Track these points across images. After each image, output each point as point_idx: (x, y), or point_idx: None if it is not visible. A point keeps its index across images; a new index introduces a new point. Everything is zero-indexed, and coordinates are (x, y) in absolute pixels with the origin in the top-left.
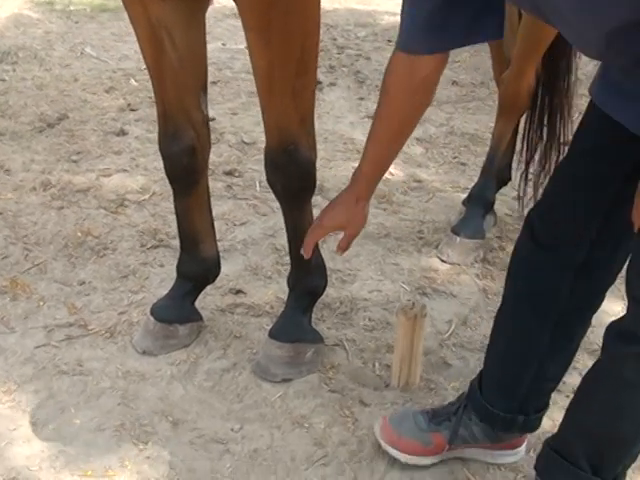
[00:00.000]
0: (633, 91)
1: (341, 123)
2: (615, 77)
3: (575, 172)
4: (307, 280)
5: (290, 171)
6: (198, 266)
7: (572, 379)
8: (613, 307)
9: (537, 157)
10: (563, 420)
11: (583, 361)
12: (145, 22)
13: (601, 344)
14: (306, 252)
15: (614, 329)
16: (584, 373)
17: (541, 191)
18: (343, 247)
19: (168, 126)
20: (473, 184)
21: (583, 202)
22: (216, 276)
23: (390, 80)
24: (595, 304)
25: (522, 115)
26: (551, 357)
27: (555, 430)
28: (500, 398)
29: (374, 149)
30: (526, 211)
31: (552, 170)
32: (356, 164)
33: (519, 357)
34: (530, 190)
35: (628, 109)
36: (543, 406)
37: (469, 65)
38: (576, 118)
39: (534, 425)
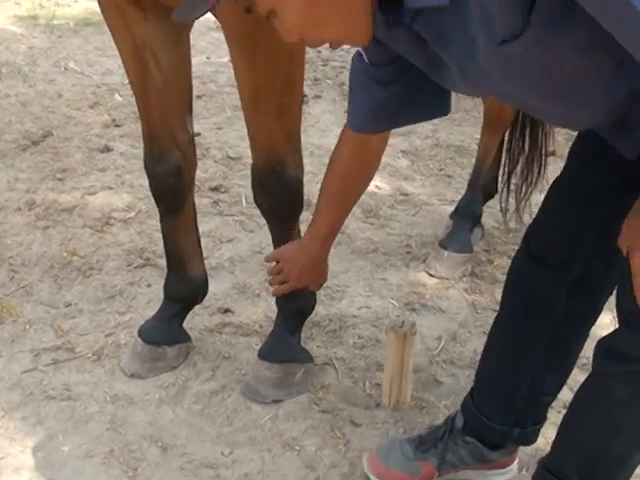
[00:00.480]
0: (626, 125)
1: (327, 137)
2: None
3: (568, 190)
4: (296, 299)
5: (277, 191)
6: (186, 286)
7: (563, 394)
8: (603, 319)
9: (519, 169)
10: (555, 438)
11: (573, 376)
12: (129, 43)
13: (591, 359)
14: (274, 294)
15: (604, 347)
16: (575, 388)
17: (524, 204)
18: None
19: (154, 147)
20: (460, 197)
21: (576, 220)
22: (204, 296)
23: (339, 157)
24: (591, 319)
25: (507, 129)
26: (546, 372)
27: (548, 447)
28: (495, 410)
29: (330, 213)
30: (512, 224)
31: (534, 182)
32: None
33: (513, 371)
34: (513, 202)
35: (622, 137)
36: (540, 419)
37: None
38: (557, 130)
39: (530, 438)
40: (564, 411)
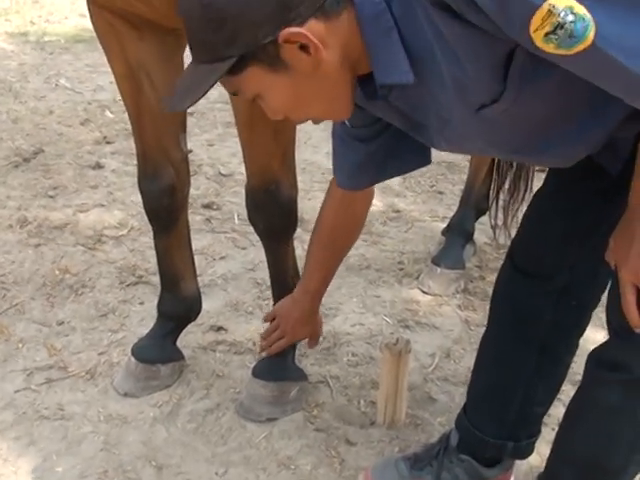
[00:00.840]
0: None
1: (318, 153)
2: None
3: (549, 203)
4: None
5: (272, 210)
6: (179, 305)
7: (557, 411)
8: (596, 336)
9: (507, 185)
10: (551, 452)
11: (567, 392)
12: (123, 63)
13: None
14: (269, 353)
15: (595, 357)
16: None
17: (511, 219)
18: (312, 346)
19: (147, 165)
20: (451, 213)
21: (558, 231)
22: (198, 314)
23: (325, 214)
24: (579, 328)
25: None
26: (538, 382)
27: (543, 465)
28: (489, 424)
29: (318, 269)
30: (501, 239)
31: (520, 198)
32: None
33: (506, 382)
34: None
35: (606, 153)
36: (534, 432)
37: None
38: None
39: (525, 451)
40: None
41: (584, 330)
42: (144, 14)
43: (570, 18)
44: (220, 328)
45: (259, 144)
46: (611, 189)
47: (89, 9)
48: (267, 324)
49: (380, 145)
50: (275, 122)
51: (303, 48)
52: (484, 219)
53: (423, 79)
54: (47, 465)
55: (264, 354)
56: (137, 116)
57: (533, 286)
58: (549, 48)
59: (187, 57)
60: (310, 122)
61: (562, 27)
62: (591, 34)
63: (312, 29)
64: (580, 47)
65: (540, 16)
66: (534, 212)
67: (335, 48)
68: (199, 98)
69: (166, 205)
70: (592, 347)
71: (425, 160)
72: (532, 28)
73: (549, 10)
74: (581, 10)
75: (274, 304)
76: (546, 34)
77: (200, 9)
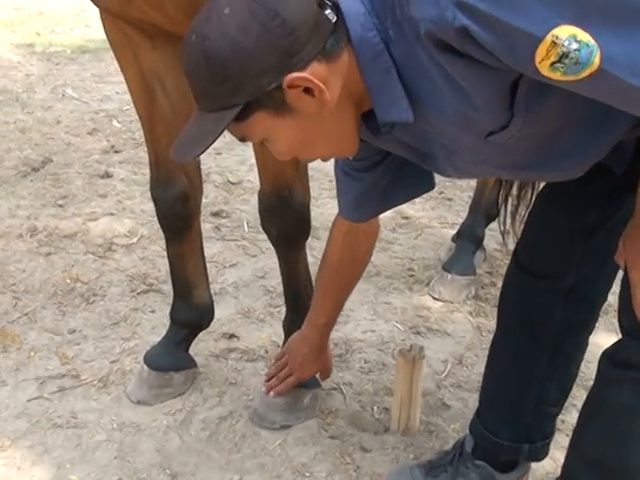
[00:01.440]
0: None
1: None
2: None
3: (553, 202)
4: (303, 324)
5: (285, 216)
6: (192, 312)
7: (571, 417)
8: (609, 340)
9: (514, 191)
10: (567, 454)
11: (581, 397)
12: (137, 71)
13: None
14: (277, 392)
15: (608, 356)
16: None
17: (520, 224)
18: (324, 379)
19: (160, 173)
20: (460, 220)
21: (563, 231)
22: (210, 321)
23: (331, 251)
24: (588, 326)
25: None
26: (550, 383)
27: (558, 471)
28: (503, 427)
29: (326, 304)
30: (511, 245)
31: (528, 203)
32: None
33: (519, 383)
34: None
35: (612, 152)
36: (549, 433)
37: None
38: None
39: (540, 453)
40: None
41: (593, 327)
42: (159, 23)
43: (574, 46)
44: (232, 336)
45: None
46: (616, 188)
47: (102, 18)
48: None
49: (384, 172)
50: None
51: (307, 91)
52: (494, 225)
53: (425, 116)
54: (61, 473)
55: (272, 394)
56: (150, 124)
57: (541, 286)
58: (556, 76)
59: None
60: None
61: (567, 56)
62: (597, 59)
63: (315, 72)
64: (587, 72)
65: (544, 47)
66: (539, 212)
67: (338, 88)
68: (208, 147)
69: (179, 213)
70: (598, 351)
71: (429, 185)
72: (537, 59)
73: (553, 41)
74: (585, 37)
75: (286, 311)
76: (552, 64)
77: (204, 63)
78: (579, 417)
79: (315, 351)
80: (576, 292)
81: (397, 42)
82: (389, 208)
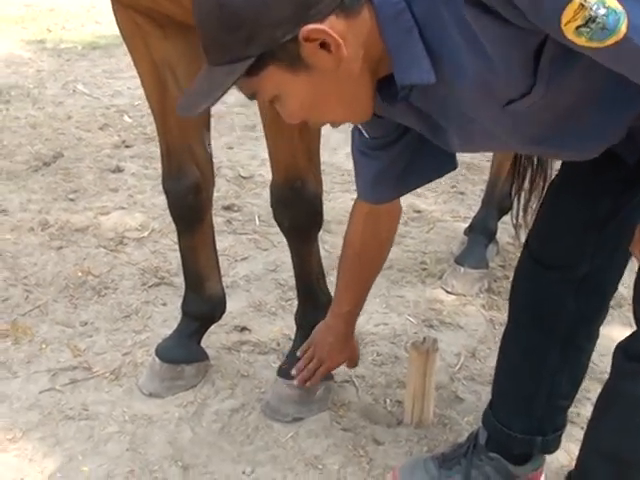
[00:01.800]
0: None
1: (337, 155)
2: None
3: (565, 192)
4: (315, 317)
5: (297, 208)
6: (204, 304)
7: (585, 410)
8: (623, 333)
9: (526, 184)
10: (581, 447)
11: (595, 390)
12: (149, 62)
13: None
14: (312, 383)
15: (622, 349)
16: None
17: (532, 217)
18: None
19: (172, 164)
20: (472, 213)
21: (575, 221)
22: (222, 313)
23: (352, 238)
24: (600, 316)
25: None
26: (562, 374)
27: (572, 464)
28: (516, 419)
29: (349, 293)
30: (524, 238)
31: (540, 195)
32: (355, 196)
33: (531, 376)
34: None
35: (624, 141)
36: (560, 426)
37: None
38: None
39: (552, 445)
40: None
41: (604, 318)
42: (171, 13)
43: (602, 12)
44: (244, 329)
45: (285, 142)
46: (628, 178)
47: (114, 10)
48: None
49: (401, 151)
50: None
51: (324, 46)
52: (506, 218)
53: (445, 78)
54: (73, 465)
55: (307, 385)
56: (162, 115)
57: (552, 277)
58: (581, 41)
59: None
60: (328, 125)
61: (594, 21)
62: (623, 26)
63: (333, 26)
64: (613, 40)
65: (572, 9)
66: (550, 202)
67: (356, 46)
68: (216, 100)
69: (191, 204)
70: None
71: (451, 165)
72: (564, 21)
73: (581, 3)
74: (613, 3)
75: (298, 304)
76: (577, 27)
77: (217, 10)
78: (594, 410)
79: (341, 340)
80: (588, 282)
81: (419, 0)
82: (409, 189)
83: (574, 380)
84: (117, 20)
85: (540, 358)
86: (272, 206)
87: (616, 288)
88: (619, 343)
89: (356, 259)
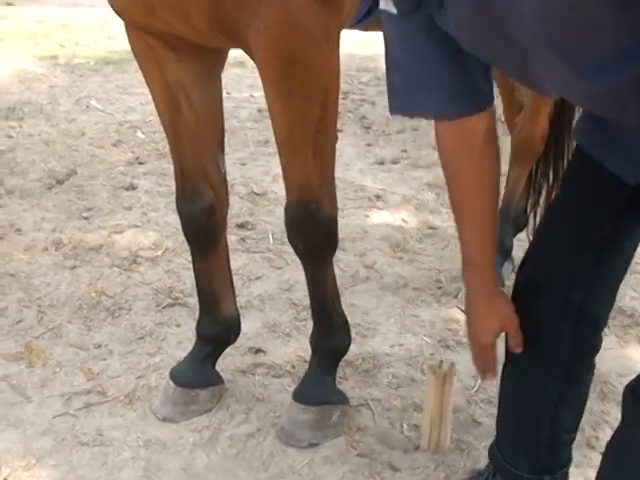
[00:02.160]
0: (621, 138)
1: (351, 170)
2: (600, 121)
3: (564, 215)
4: (330, 340)
5: (312, 230)
6: (219, 327)
7: (604, 434)
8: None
9: (542, 200)
10: None
11: (613, 413)
12: (162, 84)
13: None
14: (493, 375)
15: (631, 389)
16: (615, 425)
17: None
18: (517, 343)
19: (186, 186)
20: None
21: (574, 244)
22: (237, 336)
23: (446, 154)
24: (596, 347)
25: (536, 159)
26: (563, 407)
27: None
28: (522, 459)
29: (472, 234)
30: None
31: None
32: (368, 212)
33: (532, 413)
34: None
35: (612, 153)
36: (566, 460)
37: None
38: None
39: None
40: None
41: (600, 348)
42: (184, 35)
43: None
44: (258, 350)
45: (299, 164)
46: (627, 202)
47: (127, 31)
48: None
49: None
50: (314, 140)
51: None
52: (522, 236)
53: None
54: None
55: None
56: (175, 136)
57: (549, 305)
58: None
59: (224, 76)
60: (340, 139)
61: None
62: None
63: None
64: None
65: None
66: (547, 225)
67: None
68: None
69: (205, 226)
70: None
71: (490, 94)
72: None
73: None
74: None
75: (313, 325)
76: None
77: None
78: (604, 457)
79: (486, 307)
80: (584, 313)
81: None
82: (485, 77)
83: (576, 412)
84: (130, 42)
85: (541, 395)
86: (286, 227)
87: (607, 318)
88: (628, 384)
89: (475, 194)
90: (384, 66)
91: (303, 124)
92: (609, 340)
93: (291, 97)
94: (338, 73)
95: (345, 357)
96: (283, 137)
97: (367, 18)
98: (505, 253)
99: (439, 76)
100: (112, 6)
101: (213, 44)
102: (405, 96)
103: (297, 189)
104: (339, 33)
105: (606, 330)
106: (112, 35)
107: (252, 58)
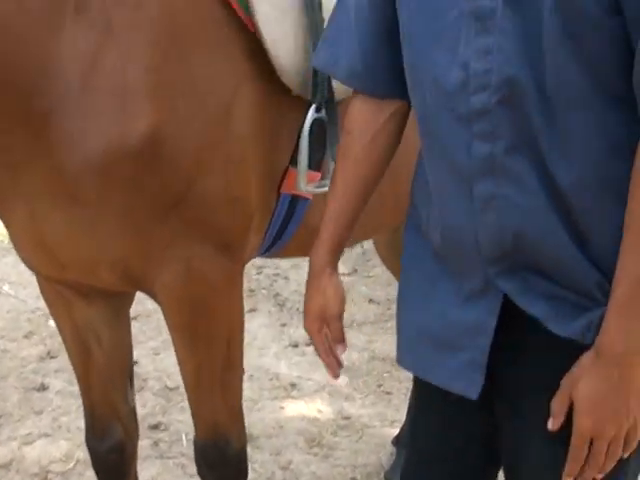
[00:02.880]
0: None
1: (265, 355)
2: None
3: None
4: None
5: (222, 465)
6: None
7: None
8: None
9: None
10: None
11: None
12: (72, 327)
13: None
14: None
15: None
16: None
17: None
18: (339, 339)
19: (95, 424)
20: (399, 416)
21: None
22: None
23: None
24: None
25: None
26: None
27: None
28: None
29: (329, 204)
30: None
31: None
32: (283, 403)
33: None
34: None
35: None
36: None
37: (383, 281)
38: None
39: None
40: None
41: None
42: (94, 284)
43: None
44: None
45: (207, 402)
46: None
47: (37, 278)
48: None
49: None
50: (222, 378)
51: None
52: None
53: None
54: None
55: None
56: (85, 376)
57: None
58: None
59: (132, 311)
60: (254, 319)
61: None
62: None
63: None
64: None
65: None
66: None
67: None
68: None
69: (115, 462)
70: None
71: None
72: None
73: None
74: None
75: None
76: None
77: None
78: None
79: (315, 283)
80: None
81: None
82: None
83: None
84: (40, 287)
85: None
86: (196, 462)
87: None
88: None
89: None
90: None
91: (210, 366)
92: None
93: (196, 342)
94: (241, 311)
95: None
96: (191, 380)
97: (269, 251)
98: None
99: (362, 30)
100: (22, 259)
101: (120, 289)
102: (327, 48)
103: (205, 428)
104: (241, 274)
105: None
106: None
107: (159, 304)
